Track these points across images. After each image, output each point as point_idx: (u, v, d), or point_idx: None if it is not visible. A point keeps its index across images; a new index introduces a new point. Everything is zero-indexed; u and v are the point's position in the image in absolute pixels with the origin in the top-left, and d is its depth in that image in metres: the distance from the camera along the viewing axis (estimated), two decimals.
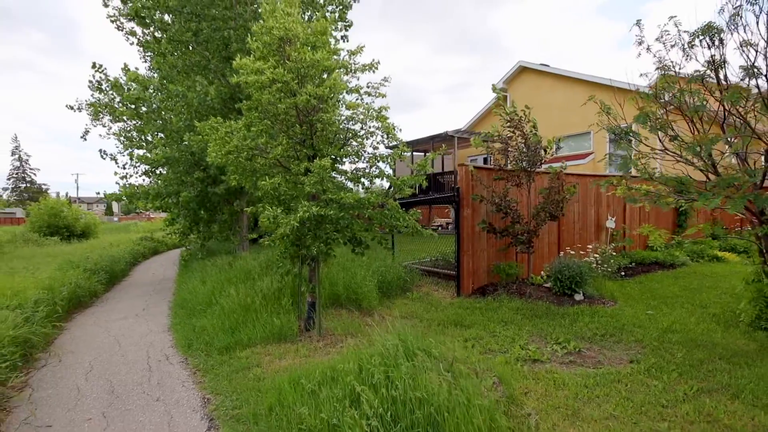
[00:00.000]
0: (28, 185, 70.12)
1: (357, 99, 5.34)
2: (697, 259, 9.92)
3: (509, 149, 7.15)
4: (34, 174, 72.11)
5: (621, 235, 9.91)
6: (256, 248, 11.09)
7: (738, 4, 3.89)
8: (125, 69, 11.18)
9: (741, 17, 3.90)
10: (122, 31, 11.40)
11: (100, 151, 11.20)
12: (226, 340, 5.24)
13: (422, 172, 5.35)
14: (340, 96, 5.49)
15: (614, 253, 8.78)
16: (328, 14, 10.93)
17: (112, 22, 11.01)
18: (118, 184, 10.60)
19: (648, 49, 4.79)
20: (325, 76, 5.19)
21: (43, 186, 71.67)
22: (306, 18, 10.57)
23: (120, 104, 11.03)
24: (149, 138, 11.68)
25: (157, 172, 10.95)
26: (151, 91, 10.48)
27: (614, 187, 5.47)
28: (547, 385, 3.68)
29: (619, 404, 3.29)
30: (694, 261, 9.80)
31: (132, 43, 11.81)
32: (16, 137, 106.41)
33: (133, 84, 10.41)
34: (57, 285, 7.21)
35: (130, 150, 11.29)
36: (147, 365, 4.92)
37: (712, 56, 4.30)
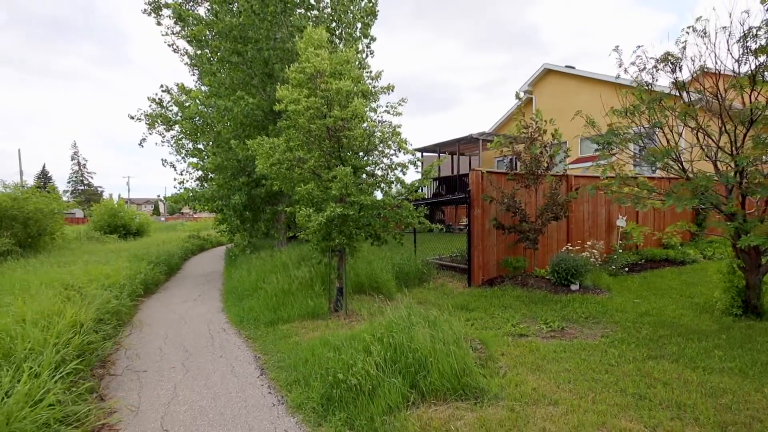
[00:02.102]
0: (86, 188, 75.89)
1: (376, 117, 6.39)
2: (710, 257, 10.29)
3: (523, 154, 7.97)
4: (91, 177, 78.11)
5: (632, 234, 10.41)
6: (293, 245, 12.35)
7: (684, 39, 4.63)
8: (181, 87, 12.83)
9: (686, 47, 4.64)
10: (177, 53, 13.08)
11: (162, 160, 12.87)
12: (269, 316, 6.43)
13: (429, 177, 6.32)
14: (365, 111, 6.56)
15: (621, 251, 9.38)
16: (357, 31, 12.04)
17: (169, 46, 12.67)
18: (176, 188, 12.19)
19: (626, 70, 5.56)
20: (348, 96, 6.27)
21: (98, 188, 77.37)
22: (337, 34, 11.71)
23: (179, 117, 12.69)
24: (200, 146, 13.26)
25: (210, 177, 12.50)
26: (202, 107, 11.99)
27: (602, 190, 6.24)
28: (523, 350, 4.58)
29: (576, 363, 4.15)
30: (706, 259, 10.18)
31: (186, 63, 13.48)
32: (75, 143, 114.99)
33: (191, 101, 11.98)
34: (132, 273, 8.71)
35: (189, 159, 12.93)
36: (209, 335, 6.17)
37: (675, 78, 5.04)
